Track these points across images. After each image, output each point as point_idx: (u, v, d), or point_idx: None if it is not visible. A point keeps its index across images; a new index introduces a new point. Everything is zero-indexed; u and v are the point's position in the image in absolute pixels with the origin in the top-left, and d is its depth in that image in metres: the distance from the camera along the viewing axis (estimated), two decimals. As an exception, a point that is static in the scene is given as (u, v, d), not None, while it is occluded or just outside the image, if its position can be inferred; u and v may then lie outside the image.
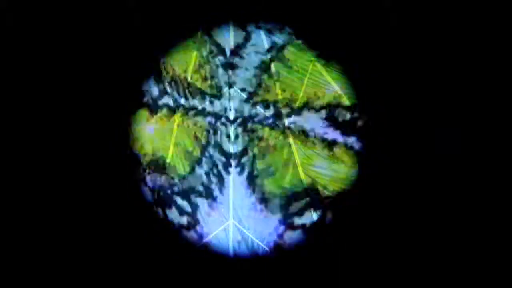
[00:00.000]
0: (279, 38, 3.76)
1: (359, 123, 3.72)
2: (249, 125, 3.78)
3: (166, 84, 3.80)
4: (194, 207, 3.77)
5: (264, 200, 3.73)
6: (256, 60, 3.75)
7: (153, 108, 3.80)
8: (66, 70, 3.62)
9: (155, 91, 3.80)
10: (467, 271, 3.47)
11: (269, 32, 3.77)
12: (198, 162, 3.80)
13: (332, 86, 3.72)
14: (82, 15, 3.61)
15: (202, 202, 3.78)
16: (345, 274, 3.58)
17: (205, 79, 3.82)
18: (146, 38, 3.70)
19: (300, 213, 3.73)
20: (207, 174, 3.79)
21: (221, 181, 3.78)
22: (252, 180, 3.75)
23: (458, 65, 3.55)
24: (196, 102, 3.82)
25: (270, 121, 3.77)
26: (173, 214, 3.78)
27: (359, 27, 3.63)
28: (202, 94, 3.81)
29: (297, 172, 3.75)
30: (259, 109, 3.78)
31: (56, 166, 3.64)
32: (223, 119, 3.80)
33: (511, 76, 3.52)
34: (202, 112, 3.81)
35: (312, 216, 3.72)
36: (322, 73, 3.74)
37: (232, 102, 3.78)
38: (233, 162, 3.79)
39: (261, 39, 3.78)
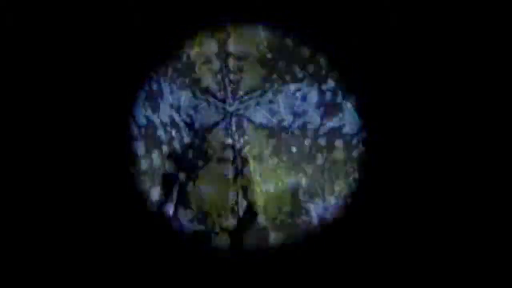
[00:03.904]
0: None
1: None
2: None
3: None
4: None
5: None
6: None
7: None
8: (65, 71, 3.62)
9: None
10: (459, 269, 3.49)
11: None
12: None
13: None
14: (82, 15, 3.61)
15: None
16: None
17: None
18: (146, 38, 3.70)
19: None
20: None
21: None
22: None
23: (458, 65, 3.55)
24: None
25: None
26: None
27: (359, 27, 3.63)
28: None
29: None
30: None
31: (55, 167, 3.64)
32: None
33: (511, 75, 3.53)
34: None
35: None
36: None
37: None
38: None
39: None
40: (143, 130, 3.74)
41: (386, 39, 3.60)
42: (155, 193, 3.71)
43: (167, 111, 3.79)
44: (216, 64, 3.79)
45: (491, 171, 3.51)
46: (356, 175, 3.72)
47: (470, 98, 3.54)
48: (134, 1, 3.67)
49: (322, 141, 3.78)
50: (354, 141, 3.73)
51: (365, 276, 3.56)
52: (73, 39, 3.62)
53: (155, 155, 3.78)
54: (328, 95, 3.76)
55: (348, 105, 3.74)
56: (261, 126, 3.81)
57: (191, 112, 3.79)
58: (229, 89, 3.81)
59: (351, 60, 3.70)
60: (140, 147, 3.77)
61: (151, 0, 3.68)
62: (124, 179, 3.72)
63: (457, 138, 3.54)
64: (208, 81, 3.81)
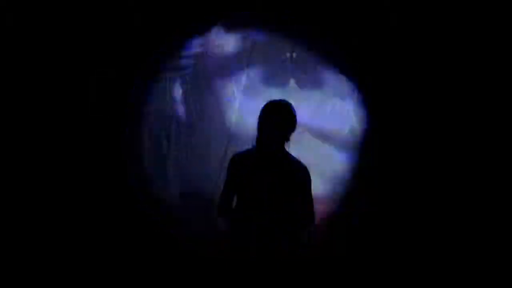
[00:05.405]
0: None
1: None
2: None
3: None
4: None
5: None
6: None
7: None
8: (65, 70, 3.62)
9: None
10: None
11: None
12: None
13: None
14: (82, 15, 3.61)
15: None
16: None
17: None
18: (146, 38, 3.70)
19: None
20: None
21: None
22: None
23: (457, 65, 3.55)
24: None
25: None
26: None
27: (359, 27, 3.63)
28: None
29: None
30: None
31: (56, 165, 3.64)
32: None
33: (511, 74, 3.53)
34: None
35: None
36: None
37: None
38: None
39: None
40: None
41: (386, 39, 3.61)
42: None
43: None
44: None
45: (491, 169, 3.53)
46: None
47: (470, 98, 3.55)
48: (134, 1, 3.67)
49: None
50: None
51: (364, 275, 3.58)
52: (73, 39, 3.63)
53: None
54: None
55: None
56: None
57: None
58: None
59: (351, 60, 3.71)
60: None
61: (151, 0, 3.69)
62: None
63: (456, 136, 3.55)
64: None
